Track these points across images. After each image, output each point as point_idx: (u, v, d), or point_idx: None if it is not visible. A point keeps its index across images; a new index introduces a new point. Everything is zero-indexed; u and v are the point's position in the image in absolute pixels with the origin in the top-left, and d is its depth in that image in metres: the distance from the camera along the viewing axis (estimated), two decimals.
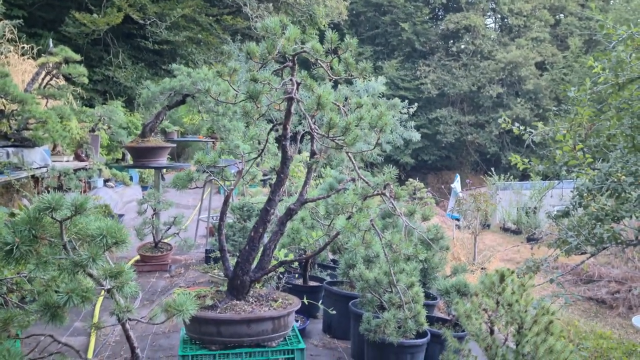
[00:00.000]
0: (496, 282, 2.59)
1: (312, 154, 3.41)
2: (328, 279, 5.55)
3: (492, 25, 39.20)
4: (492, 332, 2.61)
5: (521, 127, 7.50)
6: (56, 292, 2.99)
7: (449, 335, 2.98)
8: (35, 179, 6.80)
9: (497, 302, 2.58)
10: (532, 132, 7.48)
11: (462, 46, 35.19)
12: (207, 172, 3.52)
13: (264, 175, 9.66)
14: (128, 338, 2.54)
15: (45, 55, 7.03)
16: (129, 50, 19.43)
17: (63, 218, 2.26)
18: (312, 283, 5.39)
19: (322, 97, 2.89)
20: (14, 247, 2.13)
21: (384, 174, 3.31)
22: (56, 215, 2.23)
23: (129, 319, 2.44)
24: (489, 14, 38.39)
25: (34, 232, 2.21)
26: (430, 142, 32.56)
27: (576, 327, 7.01)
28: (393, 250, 2.97)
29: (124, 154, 12.37)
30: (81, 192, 7.60)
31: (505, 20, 37.25)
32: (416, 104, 21.59)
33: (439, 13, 38.62)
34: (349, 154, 3.30)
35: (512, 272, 2.57)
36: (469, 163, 35.08)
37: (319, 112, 2.97)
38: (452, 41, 36.09)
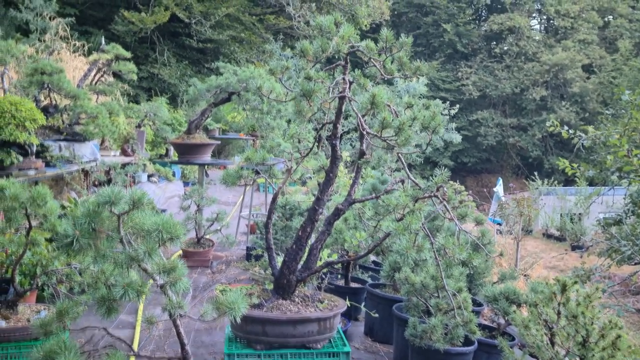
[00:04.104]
0: (557, 292, 2.49)
1: (362, 153, 3.36)
2: (370, 280, 5.49)
3: (537, 26, 38.29)
4: (552, 344, 2.51)
5: (570, 131, 7.28)
6: (105, 284, 3.04)
7: (505, 346, 2.89)
8: (85, 173, 6.97)
9: (559, 313, 2.48)
10: (581, 136, 7.25)
11: (506, 47, 34.46)
12: (256, 170, 3.52)
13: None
14: (179, 334, 2.55)
15: (97, 52, 7.20)
16: (174, 49, 19.80)
17: (121, 212, 2.28)
18: (353, 284, 5.34)
19: (376, 97, 2.84)
20: (74, 240, 2.17)
21: (434, 176, 3.23)
22: (114, 209, 2.26)
23: (180, 316, 2.45)
24: (534, 15, 37.49)
25: (93, 225, 2.24)
26: (471, 144, 32.01)
27: (626, 340, 6.74)
28: (447, 255, 2.90)
29: (167, 150, 12.59)
30: (126, 186, 7.75)
31: (551, 21, 36.32)
32: (457, 106, 21.27)
33: (482, 14, 37.95)
34: (400, 154, 3.25)
35: (575, 282, 2.46)
36: (510, 166, 34.33)
37: (372, 111, 2.92)
38: (495, 42, 35.41)
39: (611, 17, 35.22)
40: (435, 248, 3.02)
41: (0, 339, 3.37)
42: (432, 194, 3.03)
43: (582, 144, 7.17)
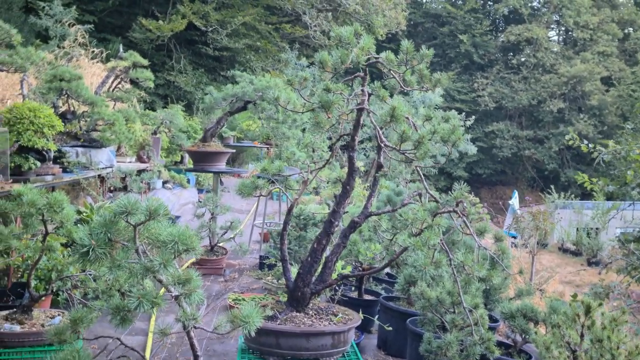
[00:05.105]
0: (581, 313, 2.42)
1: (379, 166, 3.33)
2: (383, 293, 5.44)
3: (556, 38, 38.02)
4: None
5: (590, 145, 7.17)
6: (118, 291, 3.03)
7: None
8: (101, 179, 7.01)
9: (582, 336, 2.41)
10: (601, 151, 7.13)
11: (523, 59, 34.28)
12: (272, 181, 3.50)
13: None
14: (192, 346, 2.52)
15: (115, 59, 7.25)
16: (190, 56, 19.95)
17: (137, 223, 2.27)
18: (367, 297, 5.30)
19: (396, 109, 2.81)
20: (90, 250, 2.17)
21: (453, 190, 3.19)
22: (131, 219, 2.25)
23: (194, 327, 2.43)
24: (552, 26, 37.26)
25: (109, 235, 2.23)
26: (486, 156, 31.80)
27: None
28: (465, 271, 2.85)
29: (182, 157, 12.65)
30: (142, 193, 7.78)
31: (570, 33, 36.08)
32: (473, 117, 21.14)
33: (500, 25, 37.79)
34: (418, 168, 3.21)
35: (600, 304, 2.40)
36: (525, 179, 34.03)
37: (391, 124, 2.89)
38: (512, 53, 35.23)
39: (631, 29, 34.90)
40: (454, 264, 2.97)
41: (15, 344, 3.38)
42: (452, 209, 2.98)
43: (602, 158, 7.06)
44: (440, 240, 2.86)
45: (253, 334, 2.38)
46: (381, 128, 3.13)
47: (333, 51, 3.06)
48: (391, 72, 3.11)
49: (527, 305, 3.96)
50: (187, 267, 6.16)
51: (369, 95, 3.14)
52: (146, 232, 2.32)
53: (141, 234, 2.33)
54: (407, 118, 3.17)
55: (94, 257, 2.18)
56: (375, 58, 3.06)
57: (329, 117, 2.95)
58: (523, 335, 3.90)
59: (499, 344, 4.22)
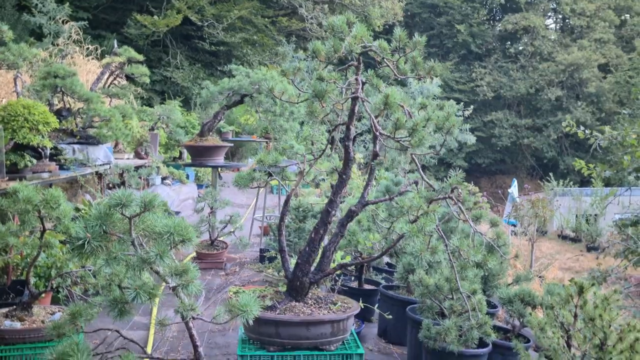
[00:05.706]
0: (574, 294, 2.44)
1: (375, 155, 3.33)
2: (383, 282, 5.46)
3: (553, 25, 37.88)
4: (569, 346, 2.46)
5: (587, 131, 7.18)
6: (118, 286, 3.04)
7: (521, 348, 2.85)
8: (99, 175, 7.01)
9: (575, 316, 2.43)
10: (598, 137, 7.14)
11: (520, 47, 34.16)
12: (269, 172, 3.51)
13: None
14: (191, 337, 2.54)
15: (110, 55, 7.24)
16: (187, 52, 19.89)
17: (132, 215, 2.28)
18: (367, 286, 5.32)
19: (390, 97, 2.81)
20: (85, 242, 2.17)
21: (449, 177, 3.20)
22: (126, 211, 2.26)
23: (193, 318, 2.44)
24: (549, 14, 37.11)
25: (104, 227, 2.24)
26: (485, 145, 31.77)
27: None
28: (461, 256, 2.86)
29: (180, 153, 12.64)
30: (140, 189, 7.78)
31: (567, 20, 35.94)
32: (471, 107, 21.11)
33: (497, 14, 37.65)
34: (413, 155, 3.21)
35: (593, 284, 2.42)
36: (525, 167, 34.02)
37: (385, 112, 2.89)
38: (509, 42, 35.11)
39: (628, 15, 34.76)
40: (450, 250, 2.98)
41: (16, 340, 3.39)
42: (447, 196, 2.99)
43: (599, 144, 7.07)
44: (436, 226, 2.87)
45: (251, 322, 2.39)
46: (376, 116, 3.14)
47: (326, 41, 3.06)
48: (385, 60, 3.11)
49: (525, 290, 3.99)
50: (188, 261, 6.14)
51: (363, 84, 3.14)
52: (141, 224, 2.33)
53: (136, 225, 2.34)
54: (402, 106, 3.17)
55: (89, 250, 2.19)
56: (369, 46, 3.06)
57: (322, 107, 2.96)
58: (521, 320, 3.93)
59: (498, 329, 4.25)
